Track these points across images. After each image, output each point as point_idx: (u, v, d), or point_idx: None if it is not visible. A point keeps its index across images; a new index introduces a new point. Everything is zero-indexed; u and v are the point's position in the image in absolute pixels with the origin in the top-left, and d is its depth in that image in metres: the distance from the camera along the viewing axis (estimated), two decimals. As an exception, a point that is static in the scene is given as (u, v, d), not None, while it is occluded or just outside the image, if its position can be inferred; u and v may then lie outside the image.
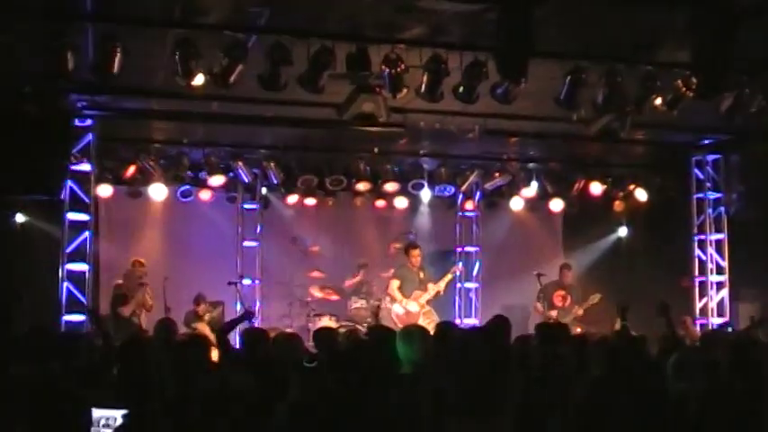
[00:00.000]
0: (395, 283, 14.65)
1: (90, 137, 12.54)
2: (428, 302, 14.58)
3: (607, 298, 14.36)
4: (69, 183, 12.38)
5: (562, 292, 14.53)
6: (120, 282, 13.62)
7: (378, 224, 17.13)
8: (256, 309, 14.53)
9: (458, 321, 16.09)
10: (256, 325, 12.82)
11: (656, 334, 8.61)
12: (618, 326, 8.91)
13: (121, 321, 12.92)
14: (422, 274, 14.72)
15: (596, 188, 16.29)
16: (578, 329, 13.52)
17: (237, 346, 8.93)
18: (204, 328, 13.40)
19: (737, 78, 10.31)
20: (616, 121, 11.08)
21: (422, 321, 13.13)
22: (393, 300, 14.57)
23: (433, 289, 14.64)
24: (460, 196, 16.78)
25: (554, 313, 14.24)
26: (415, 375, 6.26)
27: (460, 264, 16.49)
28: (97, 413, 5.52)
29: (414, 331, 7.18)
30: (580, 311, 14.22)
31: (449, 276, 15.05)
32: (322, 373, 5.80)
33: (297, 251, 15.85)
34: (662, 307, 8.82)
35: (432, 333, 7.52)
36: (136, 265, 13.60)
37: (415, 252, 14.80)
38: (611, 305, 14.18)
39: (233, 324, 9.17)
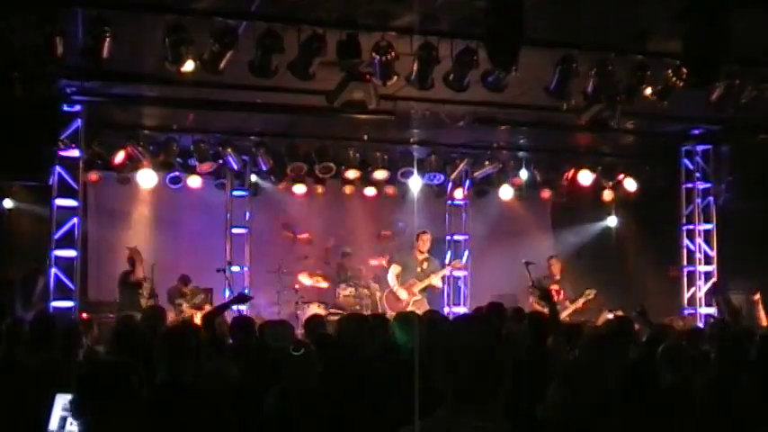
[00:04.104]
0: (394, 269, 14.41)
1: (79, 122, 12.50)
2: (421, 292, 14.22)
3: (595, 286, 14.36)
4: (58, 168, 12.35)
5: (556, 287, 14.43)
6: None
7: (367, 212, 17.13)
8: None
9: (446, 309, 16.11)
10: (244, 312, 12.82)
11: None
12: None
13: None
14: (426, 264, 14.35)
15: (586, 177, 16.30)
16: (567, 319, 13.54)
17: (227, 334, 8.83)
18: (189, 309, 13.43)
19: (728, 69, 10.31)
20: (606, 111, 11.08)
21: (411, 309, 13.02)
22: (388, 286, 14.44)
23: (429, 280, 14.27)
24: (450, 184, 16.75)
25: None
26: (412, 361, 6.25)
27: (460, 261, 16.13)
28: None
29: (411, 317, 7.16)
30: (580, 304, 14.11)
31: (447, 269, 14.96)
32: (312, 360, 5.79)
33: (286, 238, 15.84)
34: (640, 311, 8.89)
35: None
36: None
37: (425, 237, 14.44)
38: (600, 296, 14.22)
39: (224, 307, 9.05)
